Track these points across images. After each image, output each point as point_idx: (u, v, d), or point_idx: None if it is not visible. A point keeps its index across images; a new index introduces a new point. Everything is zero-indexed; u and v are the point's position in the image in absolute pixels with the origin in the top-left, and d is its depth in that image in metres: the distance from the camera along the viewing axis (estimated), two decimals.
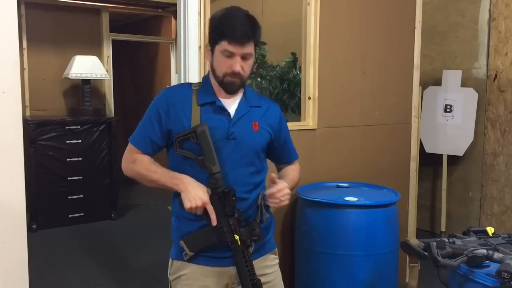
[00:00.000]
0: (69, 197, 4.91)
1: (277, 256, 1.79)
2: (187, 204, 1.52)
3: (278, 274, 1.77)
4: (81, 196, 4.97)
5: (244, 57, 1.57)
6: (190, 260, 1.63)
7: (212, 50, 1.61)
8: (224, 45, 1.55)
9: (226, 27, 1.54)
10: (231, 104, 1.66)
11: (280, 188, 1.58)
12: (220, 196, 1.54)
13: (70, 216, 4.93)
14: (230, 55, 1.55)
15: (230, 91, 1.63)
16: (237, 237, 1.53)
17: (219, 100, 1.65)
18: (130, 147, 1.70)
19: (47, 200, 4.79)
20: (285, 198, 1.59)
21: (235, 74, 1.57)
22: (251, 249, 1.58)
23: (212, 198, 1.54)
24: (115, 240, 4.60)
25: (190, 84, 1.75)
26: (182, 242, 1.59)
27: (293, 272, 2.89)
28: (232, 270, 1.62)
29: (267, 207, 1.67)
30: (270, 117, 1.72)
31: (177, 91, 1.70)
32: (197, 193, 1.52)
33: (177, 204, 1.63)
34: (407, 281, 3.29)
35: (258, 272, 1.64)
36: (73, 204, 4.94)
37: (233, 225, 1.54)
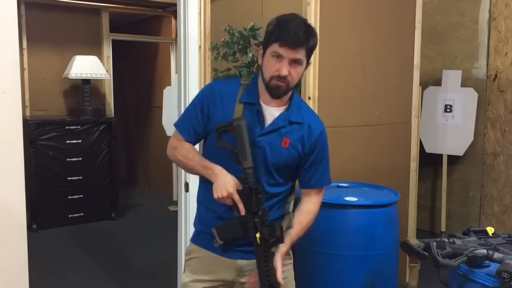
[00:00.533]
0: (69, 197, 4.91)
1: (290, 257, 1.80)
2: (215, 194, 1.55)
3: (290, 274, 1.78)
4: (81, 196, 4.97)
5: (293, 62, 1.55)
6: (203, 244, 1.71)
7: (264, 52, 1.60)
8: (275, 47, 1.54)
9: (280, 30, 1.54)
10: (272, 112, 1.64)
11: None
12: (247, 191, 1.54)
13: (70, 216, 4.93)
14: (279, 57, 1.54)
15: (274, 95, 1.60)
16: (258, 235, 1.53)
17: (260, 104, 1.64)
18: (175, 133, 1.74)
19: (47, 200, 4.79)
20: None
21: (281, 78, 1.55)
22: (274, 249, 1.57)
23: (241, 192, 1.55)
24: (115, 240, 4.60)
25: (239, 79, 1.75)
26: (214, 230, 1.62)
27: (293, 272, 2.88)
28: (238, 263, 1.67)
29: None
30: (305, 135, 1.67)
31: (224, 84, 1.74)
32: (225, 184, 1.54)
33: (202, 189, 1.75)
34: (407, 281, 3.29)
35: None
36: (73, 204, 4.94)
37: (257, 222, 1.54)
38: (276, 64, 1.55)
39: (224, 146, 1.61)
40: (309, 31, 1.56)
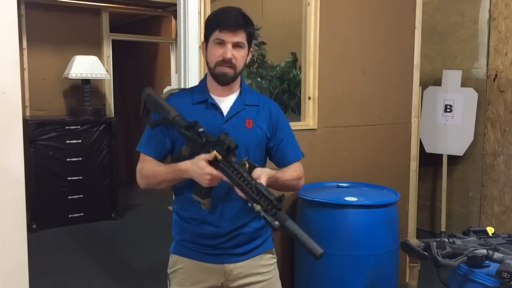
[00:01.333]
0: (69, 197, 4.91)
1: (274, 256, 1.79)
2: (204, 185, 1.50)
3: (275, 273, 1.77)
4: (81, 196, 4.97)
5: (235, 46, 1.59)
6: (186, 253, 1.68)
7: (207, 44, 1.65)
8: (216, 34, 1.59)
9: (218, 18, 1.61)
10: (226, 102, 1.67)
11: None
12: (208, 146, 1.51)
13: (70, 216, 4.92)
14: (222, 42, 1.58)
15: (222, 81, 1.63)
16: (214, 152, 1.47)
17: (212, 98, 1.67)
18: (140, 159, 1.71)
19: (47, 200, 4.79)
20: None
21: (225, 61, 1.58)
22: (234, 160, 1.49)
23: (203, 148, 1.51)
24: (115, 240, 4.60)
25: (192, 87, 1.78)
26: (194, 196, 1.57)
27: (293, 272, 2.88)
28: (226, 267, 1.66)
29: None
30: (266, 115, 1.71)
31: (175, 98, 1.70)
32: (199, 170, 1.48)
33: (177, 202, 1.71)
34: (407, 281, 3.29)
35: (253, 270, 1.69)
36: (73, 204, 4.93)
37: (207, 144, 1.51)
38: (219, 50, 1.59)
39: (157, 122, 1.63)
40: (246, 18, 1.63)
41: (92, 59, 5.21)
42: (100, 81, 5.55)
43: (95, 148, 5.04)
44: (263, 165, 1.70)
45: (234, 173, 1.45)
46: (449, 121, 4.32)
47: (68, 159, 4.88)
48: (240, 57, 1.61)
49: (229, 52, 1.58)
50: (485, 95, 4.23)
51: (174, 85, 5.63)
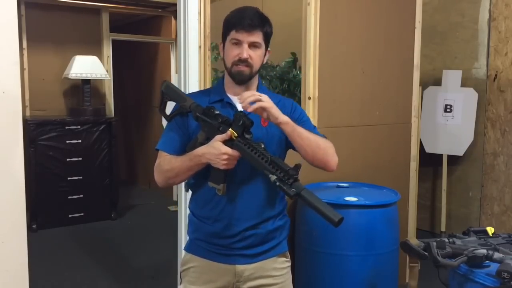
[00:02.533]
0: (69, 197, 4.91)
1: (288, 259, 1.78)
2: (222, 168, 1.51)
3: (288, 277, 1.76)
4: (81, 196, 4.97)
5: (252, 46, 1.60)
6: (199, 252, 1.68)
7: (224, 44, 1.66)
8: (233, 34, 1.60)
9: (234, 18, 1.61)
10: None
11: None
12: (223, 126, 1.53)
13: (70, 216, 4.92)
14: (238, 42, 1.60)
15: (239, 80, 1.64)
16: (230, 130, 1.49)
17: (227, 97, 1.68)
18: (158, 156, 1.71)
19: (47, 200, 4.79)
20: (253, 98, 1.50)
21: (242, 61, 1.59)
22: (250, 136, 1.51)
23: (219, 129, 1.53)
24: (115, 240, 4.60)
25: (210, 88, 1.82)
26: (210, 183, 1.58)
27: (293, 272, 2.87)
28: (237, 268, 1.65)
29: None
30: (281, 111, 1.68)
31: (194, 96, 1.74)
32: (215, 152, 1.49)
33: (193, 200, 1.72)
34: (407, 281, 3.29)
35: (264, 273, 1.68)
36: (73, 204, 4.93)
37: (222, 124, 1.53)
38: (236, 50, 1.60)
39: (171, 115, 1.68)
40: (263, 17, 1.64)
41: (92, 59, 5.21)
42: (100, 81, 5.55)
43: (95, 148, 5.04)
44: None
45: (250, 149, 1.46)
46: (449, 121, 4.32)
47: (68, 159, 4.88)
48: (256, 56, 1.62)
49: (245, 52, 1.59)
50: (485, 95, 4.23)
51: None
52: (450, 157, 4.38)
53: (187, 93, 1.86)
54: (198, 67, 2.67)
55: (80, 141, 4.95)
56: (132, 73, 7.01)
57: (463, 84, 4.29)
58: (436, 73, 4.53)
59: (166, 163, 1.64)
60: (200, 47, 2.68)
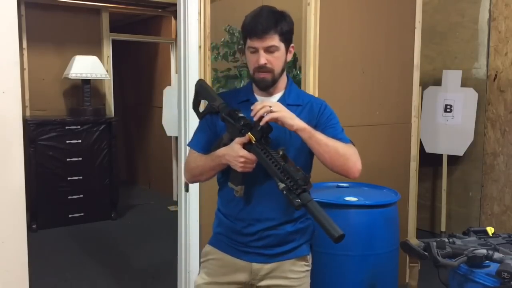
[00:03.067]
0: (69, 197, 4.91)
1: (308, 264, 1.76)
2: (239, 170, 1.54)
3: (305, 281, 1.74)
4: (81, 196, 4.97)
5: (268, 51, 1.58)
6: (220, 246, 1.72)
7: (245, 53, 1.67)
8: (248, 43, 1.61)
9: (248, 26, 1.60)
10: (268, 101, 1.65)
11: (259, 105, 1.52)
12: (245, 128, 1.54)
13: (70, 216, 4.93)
14: (255, 50, 1.59)
15: (262, 87, 1.65)
16: (248, 134, 1.52)
17: (254, 97, 1.70)
18: (188, 152, 1.77)
19: (47, 200, 4.79)
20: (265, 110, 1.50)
21: (261, 68, 1.59)
22: (268, 142, 1.53)
23: (241, 132, 1.55)
24: (115, 240, 4.60)
25: (240, 87, 1.83)
26: (230, 184, 1.61)
27: None
28: (254, 266, 1.67)
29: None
30: (307, 115, 1.67)
31: (224, 94, 1.77)
32: (233, 154, 1.53)
33: (219, 197, 1.77)
34: (407, 281, 3.29)
35: (281, 274, 1.69)
36: (73, 204, 4.94)
37: (244, 127, 1.55)
38: (253, 57, 1.60)
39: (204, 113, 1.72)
40: (276, 17, 1.60)
41: (92, 59, 5.21)
42: (100, 81, 5.55)
43: (95, 148, 5.04)
44: (305, 168, 1.64)
45: (265, 155, 1.48)
46: (449, 121, 4.32)
47: (68, 159, 4.88)
48: (275, 60, 1.60)
49: (262, 58, 1.58)
50: (485, 95, 4.23)
51: (174, 85, 5.62)
52: (450, 157, 4.38)
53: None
54: (198, 67, 2.67)
55: (80, 141, 4.95)
56: (132, 73, 7.01)
57: (463, 84, 4.29)
58: (436, 73, 4.53)
59: (192, 161, 1.70)
60: (200, 47, 2.67)
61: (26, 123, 4.60)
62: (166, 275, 3.57)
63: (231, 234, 1.70)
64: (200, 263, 1.82)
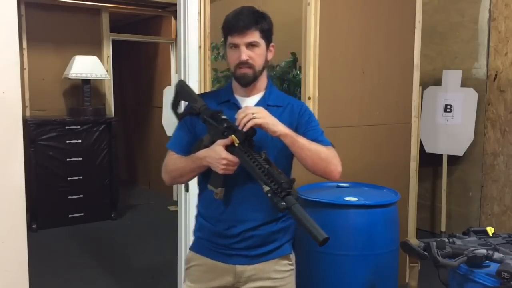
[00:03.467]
0: (69, 197, 4.91)
1: (292, 262, 1.76)
2: (220, 172, 1.53)
3: (290, 281, 1.74)
4: (81, 196, 4.97)
5: (249, 46, 1.60)
6: (201, 251, 1.70)
7: (225, 51, 1.68)
8: (229, 39, 1.62)
9: (228, 23, 1.62)
10: (248, 102, 1.68)
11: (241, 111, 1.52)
12: (228, 130, 1.54)
13: (70, 216, 4.93)
14: (235, 46, 1.60)
15: (244, 83, 1.65)
16: (232, 136, 1.52)
17: (234, 98, 1.70)
18: (166, 154, 1.74)
19: (47, 200, 4.79)
20: (247, 117, 1.49)
21: (243, 63, 1.60)
22: (252, 145, 1.53)
23: (223, 134, 1.55)
24: (115, 240, 4.60)
25: (220, 88, 1.82)
26: (209, 186, 1.61)
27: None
28: (237, 268, 1.66)
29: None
30: (287, 115, 1.68)
31: (204, 96, 1.78)
32: (215, 156, 1.52)
33: (200, 200, 1.75)
34: (407, 281, 3.29)
35: (264, 275, 1.67)
36: (73, 204, 4.94)
37: (227, 129, 1.55)
38: (235, 54, 1.61)
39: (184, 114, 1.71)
40: (256, 15, 1.62)
41: (92, 59, 5.21)
42: (100, 81, 5.55)
43: (95, 148, 5.04)
44: (285, 170, 1.65)
45: (249, 157, 1.48)
46: (449, 121, 4.32)
47: (68, 159, 4.88)
48: (256, 56, 1.61)
49: (244, 54, 1.59)
50: (485, 95, 4.23)
51: (174, 85, 5.62)
52: (450, 157, 4.38)
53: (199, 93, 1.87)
54: (198, 67, 2.67)
55: (80, 141, 4.95)
56: (132, 73, 7.01)
57: (463, 84, 4.29)
58: (436, 73, 4.53)
59: (172, 163, 1.68)
60: (200, 47, 2.68)
61: (26, 123, 4.60)
62: (166, 275, 3.57)
63: (213, 238, 1.68)
64: (184, 270, 1.79)
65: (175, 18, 3.58)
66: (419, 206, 4.05)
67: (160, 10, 6.03)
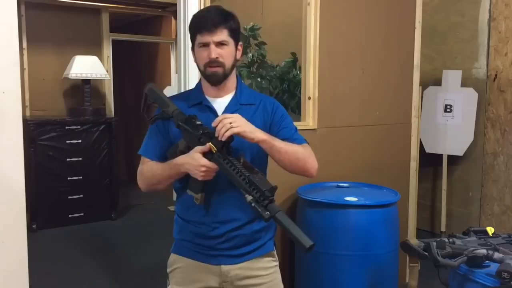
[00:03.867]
0: (69, 197, 4.90)
1: (275, 259, 1.77)
2: (199, 178, 1.52)
3: (275, 277, 1.75)
4: (81, 196, 4.97)
5: (219, 45, 1.59)
6: (184, 252, 1.69)
7: (193, 51, 1.66)
8: (198, 38, 1.61)
9: (197, 22, 1.61)
10: (221, 103, 1.68)
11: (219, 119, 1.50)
12: (204, 138, 1.53)
13: (70, 216, 4.92)
14: (205, 44, 1.59)
15: (214, 81, 1.64)
16: (209, 144, 1.50)
17: (206, 99, 1.68)
18: (140, 161, 1.73)
19: (47, 200, 4.79)
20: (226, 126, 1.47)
21: (212, 61, 1.59)
22: (230, 151, 1.52)
23: (199, 140, 1.53)
24: (115, 240, 4.60)
25: (189, 90, 1.81)
26: (188, 191, 1.59)
27: (293, 272, 2.88)
28: (222, 268, 1.66)
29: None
30: (261, 113, 1.69)
31: (174, 98, 1.74)
32: (193, 162, 1.51)
33: (178, 203, 1.73)
34: (407, 281, 3.29)
35: (250, 273, 1.68)
36: (73, 204, 4.93)
37: (203, 136, 1.53)
38: (204, 52, 1.60)
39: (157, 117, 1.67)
40: (224, 14, 1.62)
41: (92, 59, 5.21)
42: (100, 81, 5.55)
43: (95, 148, 5.04)
44: (262, 167, 1.68)
45: (228, 165, 1.47)
46: (449, 121, 4.32)
47: (68, 159, 4.88)
48: (226, 54, 1.60)
49: (213, 52, 1.58)
50: (485, 95, 4.23)
51: (174, 85, 5.63)
52: (450, 157, 4.38)
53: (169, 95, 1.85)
54: None
55: (80, 141, 4.95)
56: (132, 73, 7.01)
57: (463, 84, 4.29)
58: (436, 73, 4.53)
59: (148, 170, 1.67)
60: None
61: (26, 123, 4.60)
62: (166, 275, 3.56)
63: (196, 239, 1.66)
64: (168, 273, 1.77)
65: (175, 18, 3.58)
66: (419, 206, 4.06)
67: (160, 10, 6.03)
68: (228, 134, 1.46)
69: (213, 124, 1.50)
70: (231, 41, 1.61)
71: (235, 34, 1.64)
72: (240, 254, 1.66)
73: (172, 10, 5.73)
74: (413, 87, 3.52)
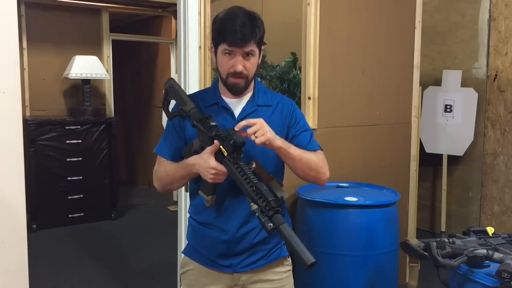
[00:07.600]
0: (69, 197, 4.91)
1: (289, 263, 1.74)
2: (209, 180, 1.50)
3: (288, 282, 1.73)
4: (81, 196, 4.97)
5: (246, 55, 1.54)
6: (196, 258, 1.67)
7: (216, 51, 1.59)
8: (223, 45, 1.53)
9: (226, 29, 1.52)
10: (238, 104, 1.64)
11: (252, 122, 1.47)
12: (219, 137, 1.50)
13: (70, 216, 4.93)
14: (230, 53, 1.53)
15: (235, 92, 1.60)
16: (216, 143, 1.48)
17: (223, 100, 1.64)
18: (156, 160, 1.70)
19: (47, 200, 4.79)
20: (257, 132, 1.45)
21: (237, 73, 1.54)
22: (241, 156, 1.48)
23: (212, 142, 1.50)
24: (115, 240, 4.60)
25: (206, 89, 1.77)
26: (200, 192, 1.57)
27: (293, 272, 2.88)
28: (236, 275, 1.64)
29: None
30: (279, 115, 1.66)
31: (196, 95, 1.72)
32: (204, 164, 1.48)
33: (192, 205, 1.71)
34: (407, 281, 3.29)
35: (264, 277, 1.66)
36: (73, 204, 4.94)
37: (216, 138, 1.49)
38: (229, 61, 1.54)
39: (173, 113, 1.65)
40: (254, 23, 1.54)
41: (92, 59, 5.21)
42: (100, 81, 5.55)
43: (95, 148, 5.04)
44: (278, 172, 1.65)
45: (238, 170, 1.43)
46: (449, 121, 4.32)
47: (68, 159, 4.88)
48: (251, 65, 1.55)
49: (239, 65, 1.53)
50: (485, 95, 4.23)
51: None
52: (450, 157, 4.38)
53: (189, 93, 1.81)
54: (198, 67, 2.67)
55: (80, 141, 4.95)
56: (132, 73, 7.01)
57: (463, 84, 4.29)
58: (436, 73, 4.53)
59: (162, 170, 1.65)
60: (200, 47, 2.67)
61: (26, 123, 4.60)
62: (166, 275, 3.57)
63: (207, 243, 1.65)
64: (179, 274, 1.76)
65: (175, 18, 3.58)
66: (419, 206, 4.06)
67: (160, 10, 6.03)
68: (263, 139, 1.43)
69: (236, 128, 1.46)
70: (257, 50, 1.56)
71: (261, 41, 1.58)
72: (251, 262, 1.64)
73: (172, 10, 5.73)
74: (413, 87, 3.52)
